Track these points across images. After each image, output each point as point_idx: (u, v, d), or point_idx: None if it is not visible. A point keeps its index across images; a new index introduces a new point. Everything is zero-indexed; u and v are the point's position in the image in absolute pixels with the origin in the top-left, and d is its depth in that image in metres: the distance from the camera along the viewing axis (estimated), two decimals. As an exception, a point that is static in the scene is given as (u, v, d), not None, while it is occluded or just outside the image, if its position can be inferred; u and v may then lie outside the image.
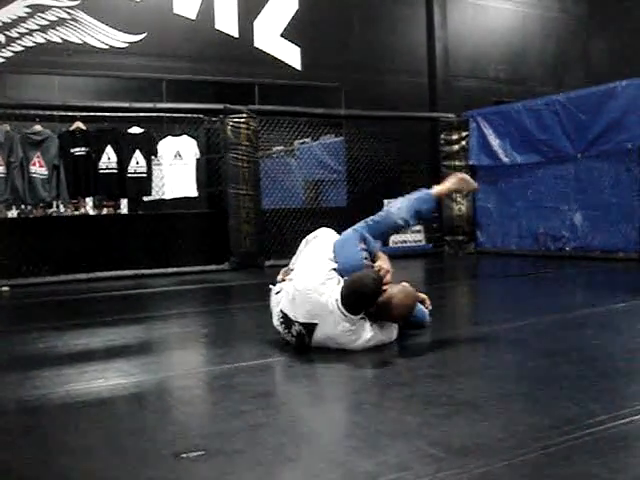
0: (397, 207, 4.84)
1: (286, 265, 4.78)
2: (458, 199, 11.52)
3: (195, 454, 2.58)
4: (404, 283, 4.37)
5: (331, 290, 4.10)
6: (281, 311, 4.31)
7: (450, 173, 11.24)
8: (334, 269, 4.29)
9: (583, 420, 2.77)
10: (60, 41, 10.10)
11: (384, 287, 4.18)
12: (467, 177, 5.23)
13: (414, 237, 11.27)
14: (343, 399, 3.45)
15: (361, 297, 4.02)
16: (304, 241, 4.83)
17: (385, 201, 10.91)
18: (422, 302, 4.95)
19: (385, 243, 5.19)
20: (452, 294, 7.44)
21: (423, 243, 11.57)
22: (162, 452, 2.64)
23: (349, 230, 4.68)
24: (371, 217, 4.84)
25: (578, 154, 9.81)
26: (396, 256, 10.44)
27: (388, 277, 4.32)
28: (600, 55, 15.55)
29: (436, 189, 5.03)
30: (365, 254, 4.45)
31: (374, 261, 4.52)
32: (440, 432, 2.71)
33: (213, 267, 9.88)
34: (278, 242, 10.26)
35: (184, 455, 2.57)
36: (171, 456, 2.58)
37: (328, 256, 4.41)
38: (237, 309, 6.80)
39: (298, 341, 4.24)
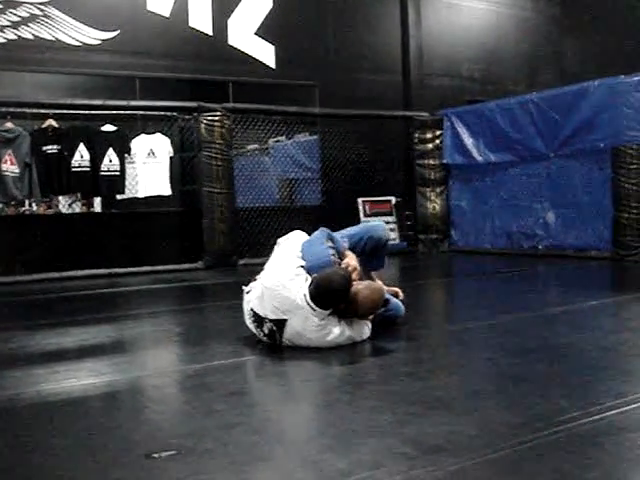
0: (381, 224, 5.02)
1: (261, 264, 4.78)
2: (432, 197, 11.56)
3: (167, 454, 2.56)
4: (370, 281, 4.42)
5: (299, 286, 4.12)
6: (251, 309, 4.34)
7: (423, 172, 11.38)
8: (302, 266, 4.30)
9: (554, 417, 2.79)
10: (32, 38, 9.99)
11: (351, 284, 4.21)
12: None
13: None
14: (316, 397, 3.44)
15: (330, 293, 4.05)
16: (277, 244, 4.83)
17: (359, 199, 10.96)
18: (396, 295, 5.05)
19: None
20: (425, 292, 7.46)
21: (397, 242, 11.58)
22: (133, 452, 2.62)
23: (319, 232, 4.71)
24: (350, 228, 5.04)
25: (551, 153, 9.88)
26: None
27: (355, 275, 4.35)
28: (573, 55, 15.67)
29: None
30: (332, 251, 4.47)
31: (342, 259, 4.53)
32: (413, 430, 2.72)
33: (187, 266, 9.85)
34: (252, 241, 10.23)
35: (156, 455, 2.55)
36: (142, 456, 2.56)
37: (296, 254, 4.43)
38: (211, 308, 6.78)
39: (270, 338, 4.26)
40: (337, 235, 4.75)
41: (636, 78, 8.71)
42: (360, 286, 4.25)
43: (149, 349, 4.96)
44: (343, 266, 4.40)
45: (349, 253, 4.64)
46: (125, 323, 5.73)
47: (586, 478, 2.25)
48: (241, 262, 10.05)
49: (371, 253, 4.97)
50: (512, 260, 9.67)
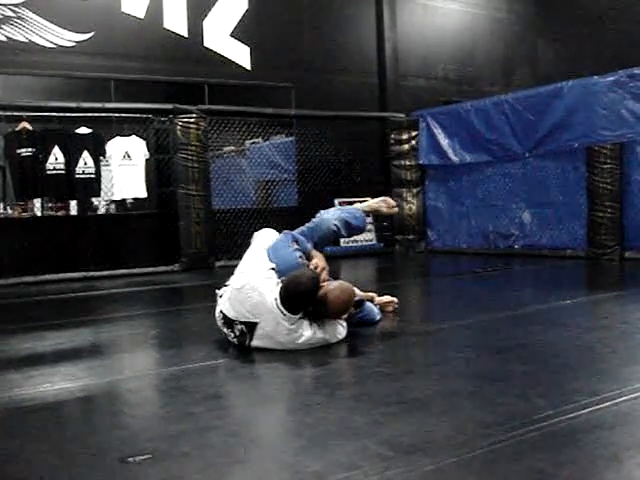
0: (330, 214, 5.03)
1: (237, 266, 4.78)
2: (408, 198, 11.59)
3: (142, 458, 2.54)
4: (341, 281, 4.44)
5: (270, 290, 4.12)
6: (221, 312, 4.34)
7: (399, 172, 11.42)
8: (273, 269, 4.31)
9: (530, 416, 2.80)
10: (5, 40, 9.92)
11: (321, 284, 4.21)
12: (389, 199, 5.41)
13: (365, 236, 11.30)
14: (292, 400, 3.44)
15: (299, 296, 4.04)
16: (253, 237, 4.90)
17: (336, 201, 10.95)
18: (371, 300, 5.10)
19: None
20: (402, 293, 7.46)
21: (374, 242, 11.61)
22: (108, 456, 2.60)
23: (280, 235, 4.74)
24: (305, 225, 4.97)
25: (526, 153, 9.95)
26: (347, 255, 10.53)
27: (324, 275, 4.36)
28: (547, 56, 15.78)
29: (361, 206, 5.23)
30: (299, 253, 4.49)
31: (309, 260, 4.55)
32: (389, 431, 2.72)
33: (163, 268, 9.80)
34: (229, 242, 10.20)
35: (131, 459, 2.53)
36: (117, 460, 2.53)
37: (265, 258, 4.44)
38: (187, 310, 6.75)
39: (240, 340, 4.25)
40: (299, 236, 4.77)
41: (609, 78, 8.79)
42: (330, 286, 4.25)
43: (124, 352, 4.93)
44: (312, 267, 4.43)
45: (316, 253, 4.66)
46: (101, 326, 5.68)
47: (561, 476, 2.26)
48: (218, 264, 10.02)
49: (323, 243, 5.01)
50: (488, 260, 9.71)
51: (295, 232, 4.83)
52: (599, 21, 15.12)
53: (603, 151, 8.87)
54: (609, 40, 14.93)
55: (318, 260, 4.55)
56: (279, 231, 4.85)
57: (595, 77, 8.97)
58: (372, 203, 5.32)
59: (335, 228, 4.89)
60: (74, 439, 2.87)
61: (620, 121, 8.68)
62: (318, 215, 5.03)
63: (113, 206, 10.56)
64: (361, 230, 5.25)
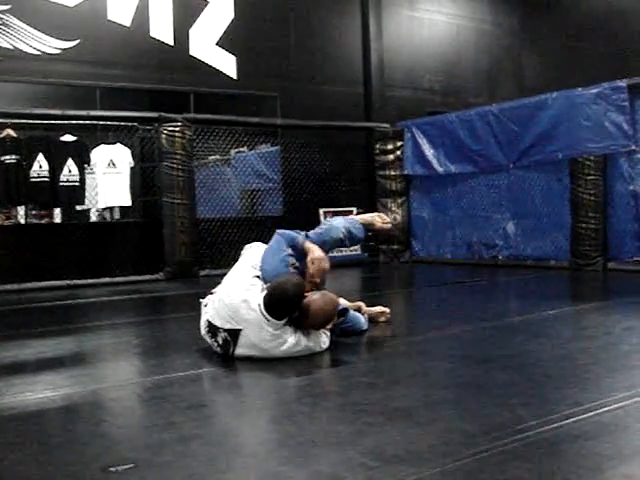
0: (338, 221, 5.02)
1: (223, 275, 4.76)
2: (393, 208, 11.61)
3: (124, 467, 2.53)
4: (325, 291, 4.43)
5: (254, 296, 4.12)
6: (207, 320, 4.33)
7: (384, 183, 11.44)
8: (257, 276, 4.31)
9: (513, 426, 2.80)
10: (-10, 46, 9.90)
11: (305, 293, 4.20)
12: (383, 215, 5.48)
13: (350, 246, 11.28)
14: (275, 409, 3.43)
15: (283, 302, 4.04)
16: (243, 249, 4.90)
17: (321, 210, 10.96)
18: (358, 309, 5.11)
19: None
20: (386, 303, 7.46)
21: (358, 252, 11.60)
22: (90, 466, 2.58)
23: (278, 236, 4.64)
24: (312, 230, 4.90)
25: (510, 164, 9.98)
26: (332, 265, 10.51)
27: (317, 275, 4.34)
28: (532, 67, 15.88)
29: (357, 218, 5.26)
30: (292, 260, 4.46)
31: (305, 255, 4.51)
32: (373, 441, 2.71)
33: (147, 277, 9.76)
34: (213, 251, 10.18)
35: (113, 469, 2.51)
36: (99, 470, 2.52)
37: (252, 264, 4.44)
38: (170, 319, 6.71)
39: (224, 349, 4.24)
40: (298, 235, 4.69)
41: (593, 90, 8.83)
42: (314, 296, 4.23)
43: (107, 361, 4.90)
44: (308, 259, 4.41)
45: (312, 246, 4.58)
46: (84, 335, 5.65)
47: (544, 486, 2.27)
48: (202, 273, 9.99)
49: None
50: (472, 270, 9.73)
51: (303, 236, 4.74)
52: (583, 34, 15.23)
53: (587, 163, 8.91)
54: (593, 52, 15.05)
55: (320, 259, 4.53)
56: (265, 242, 4.81)
57: (579, 89, 9.02)
58: (367, 216, 5.32)
59: (342, 236, 4.89)
60: (56, 448, 2.84)
61: (603, 133, 8.72)
62: (327, 222, 5.05)
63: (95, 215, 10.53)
64: (360, 241, 5.27)
